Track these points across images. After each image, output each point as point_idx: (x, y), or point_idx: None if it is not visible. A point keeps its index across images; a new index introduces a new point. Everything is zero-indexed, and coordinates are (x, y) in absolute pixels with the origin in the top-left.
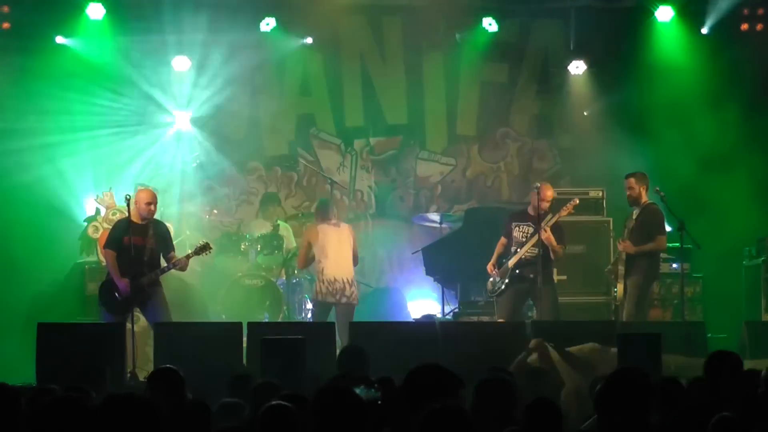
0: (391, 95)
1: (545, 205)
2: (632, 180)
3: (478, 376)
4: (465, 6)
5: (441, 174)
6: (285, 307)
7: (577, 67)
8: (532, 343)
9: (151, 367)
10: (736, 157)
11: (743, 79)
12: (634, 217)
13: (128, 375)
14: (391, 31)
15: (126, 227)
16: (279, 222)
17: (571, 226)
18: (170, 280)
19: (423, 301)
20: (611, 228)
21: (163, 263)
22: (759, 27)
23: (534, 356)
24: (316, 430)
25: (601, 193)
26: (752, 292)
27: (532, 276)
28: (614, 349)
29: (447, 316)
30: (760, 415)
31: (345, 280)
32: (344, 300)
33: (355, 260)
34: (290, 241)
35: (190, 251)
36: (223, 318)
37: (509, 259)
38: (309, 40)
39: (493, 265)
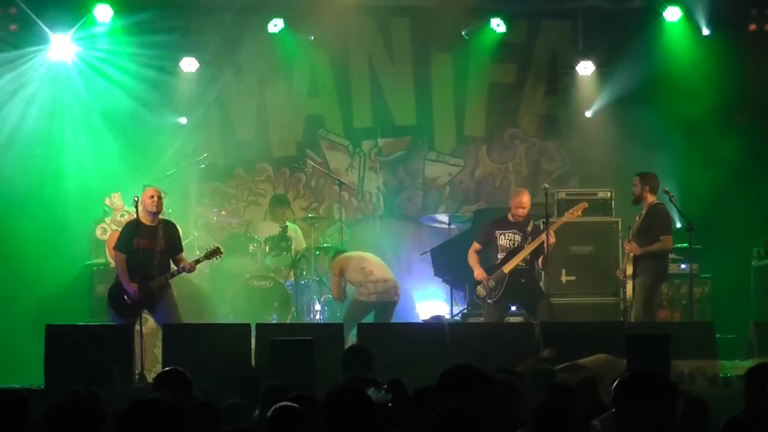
0: (399, 96)
1: (522, 212)
2: (636, 178)
3: None
4: (473, 7)
5: (449, 175)
6: (293, 309)
7: (585, 68)
8: (546, 352)
9: (159, 369)
10: (746, 157)
11: (750, 79)
12: (640, 217)
13: (137, 376)
14: (399, 32)
15: (136, 229)
16: (288, 223)
17: (580, 226)
18: (178, 281)
19: (431, 302)
20: (620, 229)
21: (173, 266)
22: (767, 27)
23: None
24: (327, 430)
25: (609, 194)
26: (760, 293)
27: (523, 281)
28: (625, 360)
29: (455, 317)
30: None
31: (394, 280)
32: (395, 298)
33: None
34: (299, 243)
35: (200, 255)
36: (232, 319)
37: (501, 266)
38: (313, 39)
39: (485, 272)
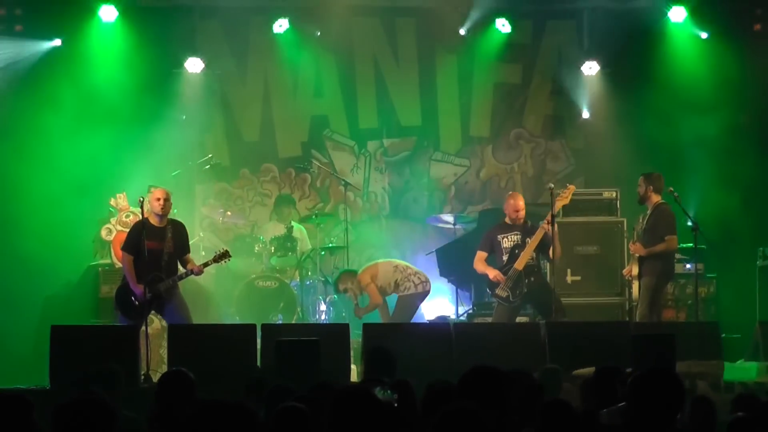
0: (404, 97)
1: (522, 214)
2: (641, 178)
3: None
4: (478, 7)
5: (455, 175)
6: (299, 309)
7: (590, 68)
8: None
9: (165, 369)
10: (751, 156)
11: (755, 78)
12: (645, 218)
13: (142, 377)
14: (405, 32)
15: (144, 230)
16: (293, 224)
17: (585, 226)
18: (184, 282)
19: (437, 299)
20: (625, 228)
21: (181, 268)
22: None
23: None
24: (334, 430)
25: (615, 194)
26: (766, 293)
27: (533, 279)
28: None
29: (461, 317)
30: None
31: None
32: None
33: None
34: (304, 243)
35: (209, 259)
36: (237, 320)
37: (512, 264)
38: (319, 37)
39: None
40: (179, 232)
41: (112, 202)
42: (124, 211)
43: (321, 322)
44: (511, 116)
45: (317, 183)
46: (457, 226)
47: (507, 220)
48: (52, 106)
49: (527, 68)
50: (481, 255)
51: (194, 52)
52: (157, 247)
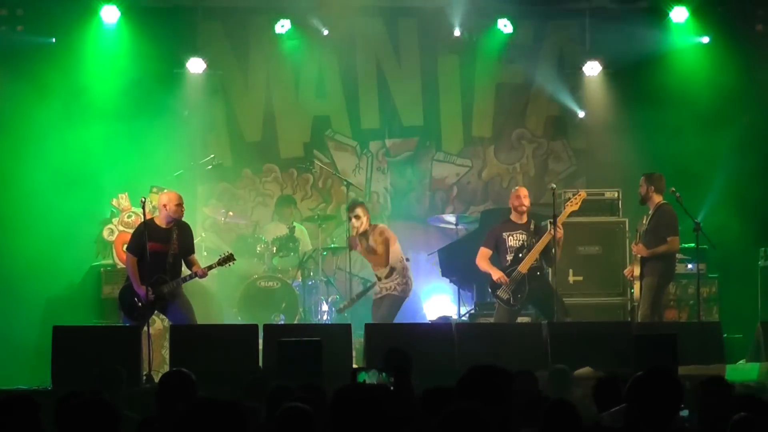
0: (406, 97)
1: (525, 202)
2: (642, 179)
3: None
4: (480, 7)
5: (457, 175)
6: (301, 309)
7: (592, 68)
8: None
9: (167, 370)
10: (752, 157)
11: (757, 79)
12: (648, 218)
13: (144, 377)
14: (407, 33)
15: (148, 232)
16: (295, 224)
17: (587, 227)
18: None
19: (440, 299)
20: (627, 229)
21: (185, 270)
22: None
23: None
24: (335, 430)
25: (616, 194)
26: (767, 293)
27: (536, 282)
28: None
29: (462, 318)
30: None
31: None
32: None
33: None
34: (306, 244)
35: (213, 262)
36: (239, 320)
37: (516, 265)
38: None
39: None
40: (185, 233)
41: (114, 202)
42: (125, 211)
43: (323, 322)
44: (513, 116)
45: (319, 183)
46: (459, 227)
47: (512, 216)
48: (52, 105)
49: (529, 68)
50: (484, 252)
51: (196, 53)
52: (162, 249)
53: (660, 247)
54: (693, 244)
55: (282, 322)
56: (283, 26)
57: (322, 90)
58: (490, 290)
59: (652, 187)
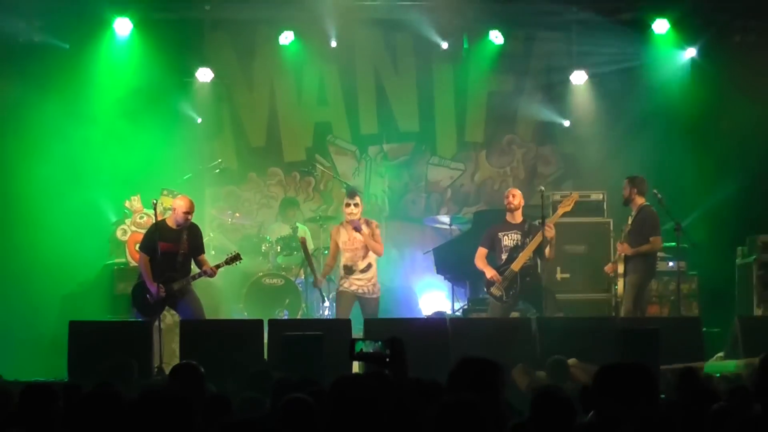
0: (403, 104)
1: (518, 200)
2: (625, 181)
3: None
4: (472, 19)
5: (451, 179)
6: (304, 305)
7: (578, 77)
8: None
9: (177, 362)
10: (731, 160)
11: (737, 87)
12: (631, 219)
13: (155, 370)
14: (403, 44)
15: (160, 232)
16: (298, 225)
17: (574, 227)
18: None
19: (433, 292)
20: (611, 229)
21: (194, 268)
22: (751, 39)
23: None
24: (332, 418)
25: (602, 196)
26: (744, 289)
27: (528, 279)
28: (592, 366)
29: (456, 313)
30: None
31: None
32: None
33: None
34: (308, 243)
35: (221, 261)
36: (245, 315)
37: (509, 264)
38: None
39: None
40: (194, 234)
41: (127, 204)
42: (138, 212)
43: (324, 317)
44: (504, 123)
45: (321, 186)
46: (453, 227)
47: (507, 215)
48: (69, 109)
49: (519, 77)
50: (481, 251)
51: (204, 62)
52: (172, 249)
53: (643, 247)
54: (674, 243)
55: (286, 317)
56: (286, 38)
57: (323, 97)
58: (484, 288)
59: (635, 190)
